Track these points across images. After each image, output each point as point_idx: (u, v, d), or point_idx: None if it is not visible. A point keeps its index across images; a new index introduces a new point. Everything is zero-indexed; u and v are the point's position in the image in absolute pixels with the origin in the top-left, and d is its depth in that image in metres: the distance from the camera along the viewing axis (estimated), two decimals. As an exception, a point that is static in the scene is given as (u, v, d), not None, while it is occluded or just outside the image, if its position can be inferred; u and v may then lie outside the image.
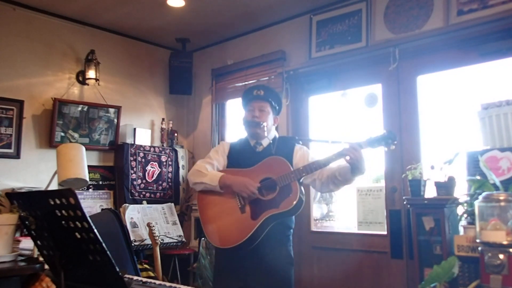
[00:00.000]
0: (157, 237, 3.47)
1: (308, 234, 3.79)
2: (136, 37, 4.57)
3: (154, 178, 4.37)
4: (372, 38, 3.44)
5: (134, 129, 4.36)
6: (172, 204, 4.24)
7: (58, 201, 1.23)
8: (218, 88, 4.56)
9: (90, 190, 4.05)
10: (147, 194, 4.29)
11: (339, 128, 3.80)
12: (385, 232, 3.32)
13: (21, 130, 3.68)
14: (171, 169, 4.51)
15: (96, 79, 4.06)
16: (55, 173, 2.68)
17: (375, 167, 3.49)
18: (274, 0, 3.73)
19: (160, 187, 4.41)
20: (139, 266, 2.53)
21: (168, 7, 3.83)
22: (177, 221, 4.12)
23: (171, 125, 4.65)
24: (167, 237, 3.89)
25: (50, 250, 1.39)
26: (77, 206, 1.19)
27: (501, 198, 2.03)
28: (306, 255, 3.74)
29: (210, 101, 4.66)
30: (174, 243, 3.94)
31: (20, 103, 3.69)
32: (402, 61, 3.31)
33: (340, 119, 3.81)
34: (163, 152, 4.48)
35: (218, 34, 4.47)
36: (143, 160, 4.29)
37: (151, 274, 3.30)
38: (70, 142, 3.88)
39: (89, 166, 2.89)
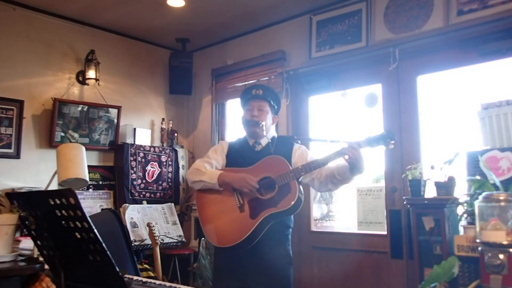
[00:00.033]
0: (157, 237, 3.47)
1: (308, 234, 3.79)
2: (136, 37, 4.57)
3: (154, 178, 4.37)
4: (372, 38, 3.44)
5: (134, 129, 4.36)
6: (172, 204, 4.24)
7: (58, 201, 1.22)
8: (218, 88, 4.56)
9: (90, 190, 4.05)
10: (147, 194, 4.29)
11: (339, 128, 3.80)
12: (385, 232, 3.32)
13: (21, 130, 3.68)
14: (171, 169, 4.51)
15: (96, 79, 4.06)
16: (55, 173, 2.68)
17: (375, 167, 3.49)
18: (274, 0, 3.73)
19: (160, 187, 4.41)
20: (139, 266, 2.53)
21: (168, 7, 3.83)
22: (177, 221, 4.12)
23: (171, 125, 4.65)
24: (167, 237, 3.89)
25: (50, 250, 1.39)
26: (77, 206, 1.19)
27: (501, 198, 2.03)
28: (306, 255, 3.74)
29: (210, 101, 4.66)
30: (174, 243, 3.94)
31: (20, 103, 3.69)
32: (402, 61, 3.31)
33: (340, 119, 3.81)
34: (163, 152, 4.48)
35: (218, 34, 4.47)
36: (143, 160, 4.29)
37: (151, 274, 3.30)
38: (70, 142, 3.88)
39: (89, 166, 2.89)
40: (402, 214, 3.22)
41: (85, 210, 1.20)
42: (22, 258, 1.70)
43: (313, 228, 3.82)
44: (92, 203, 4.04)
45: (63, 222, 1.26)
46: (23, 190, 3.38)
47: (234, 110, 4.58)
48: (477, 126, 2.72)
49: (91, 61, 4.04)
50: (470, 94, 3.08)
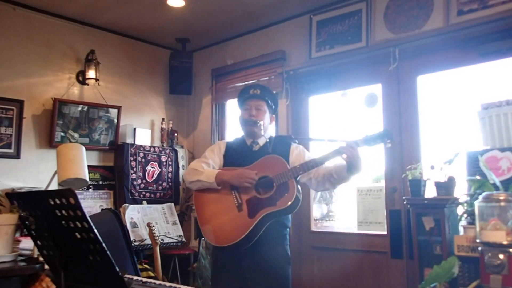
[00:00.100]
0: (157, 237, 3.47)
1: (308, 234, 3.79)
2: (136, 37, 4.57)
3: (154, 178, 4.37)
4: (372, 38, 3.44)
5: (134, 129, 4.36)
6: (172, 204, 4.24)
7: (58, 201, 1.23)
8: (218, 88, 4.56)
9: (90, 190, 4.05)
10: (147, 194, 4.29)
11: (339, 128, 3.80)
12: (385, 232, 3.32)
13: (21, 130, 3.68)
14: (171, 169, 4.51)
15: (96, 79, 4.06)
16: (55, 173, 2.68)
17: (375, 167, 3.49)
18: (274, 0, 3.73)
19: (160, 187, 4.41)
20: (139, 266, 2.53)
21: (168, 7, 3.83)
22: (177, 221, 4.12)
23: (171, 125, 4.65)
24: (167, 237, 3.89)
25: (50, 250, 1.39)
26: (77, 206, 1.19)
27: (501, 198, 2.03)
28: (306, 255, 3.74)
29: (210, 101, 4.66)
30: (174, 243, 3.94)
31: (20, 103, 3.69)
32: (402, 61, 3.31)
33: (340, 119, 3.81)
34: (163, 152, 4.48)
35: (218, 34, 4.47)
36: (143, 160, 4.29)
37: (151, 274, 3.30)
38: (70, 142, 3.88)
39: (89, 166, 2.89)
40: (402, 214, 3.22)
41: (85, 210, 1.20)
42: (22, 258, 1.71)
43: (313, 228, 3.82)
44: (92, 203, 4.04)
45: (63, 222, 1.26)
46: (23, 190, 3.38)
47: (234, 110, 4.58)
48: (477, 126, 2.72)
49: (91, 61, 4.04)
50: (470, 94, 3.08)
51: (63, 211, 1.24)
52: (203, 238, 3.79)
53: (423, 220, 2.54)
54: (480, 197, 2.10)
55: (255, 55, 4.22)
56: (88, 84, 4.11)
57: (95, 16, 4.09)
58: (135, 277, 1.65)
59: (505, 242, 1.94)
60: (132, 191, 4.17)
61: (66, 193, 1.19)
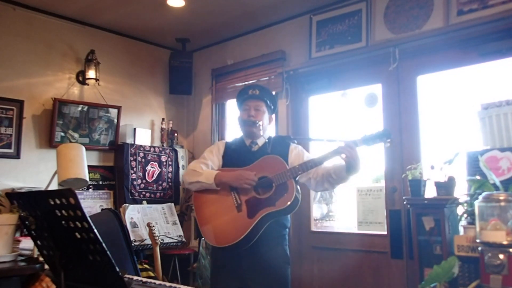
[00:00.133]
0: (157, 237, 3.47)
1: (308, 234, 3.79)
2: (136, 37, 4.57)
3: (154, 178, 4.37)
4: (372, 38, 3.44)
5: (134, 129, 4.36)
6: (172, 204, 4.24)
7: (58, 201, 1.23)
8: (218, 88, 4.56)
9: (90, 190, 4.05)
10: (147, 194, 4.29)
11: (339, 128, 3.80)
12: (385, 232, 3.32)
13: (21, 130, 3.68)
14: (171, 169, 4.51)
15: (96, 79, 4.06)
16: (55, 173, 2.68)
17: (375, 167, 3.49)
18: (274, 0, 3.73)
19: (160, 187, 4.41)
20: (139, 266, 2.53)
21: (168, 7, 3.83)
22: (177, 221, 4.12)
23: (171, 125, 4.65)
24: (167, 237, 3.89)
25: (50, 250, 1.39)
26: (77, 206, 1.19)
27: (501, 198, 2.03)
28: (306, 255, 3.74)
29: (210, 101, 4.66)
30: (174, 243, 3.94)
31: (20, 103, 3.69)
32: (402, 61, 3.31)
33: (340, 119, 3.81)
34: (163, 152, 4.48)
35: (218, 34, 4.47)
36: (143, 160, 4.29)
37: (151, 274, 3.30)
38: (70, 142, 3.88)
39: (89, 166, 2.89)
40: (402, 214, 3.22)
41: (85, 210, 1.20)
42: (22, 258, 1.71)
43: (313, 228, 3.82)
44: (92, 203, 4.04)
45: (63, 222, 1.26)
46: (23, 190, 3.38)
47: (234, 110, 4.58)
48: (477, 126, 2.72)
49: (91, 61, 4.04)
50: (470, 94, 3.08)
51: (63, 211, 1.24)
52: (203, 238, 3.79)
53: (423, 220, 2.54)
54: (480, 197, 2.10)
55: (255, 55, 4.22)
56: (88, 84, 4.11)
57: (95, 16, 4.09)
58: (135, 277, 1.65)
59: (505, 242, 1.94)
60: (132, 191, 4.17)
61: (66, 193, 1.19)
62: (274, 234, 2.28)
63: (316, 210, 3.91)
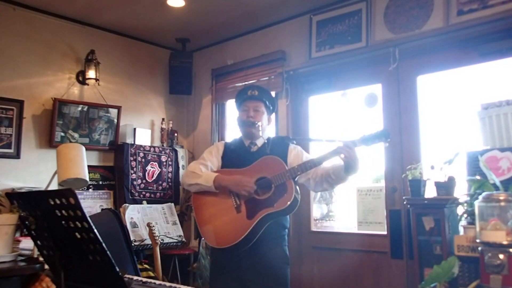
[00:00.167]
0: (157, 237, 3.47)
1: (308, 234, 3.79)
2: (136, 37, 4.57)
3: (154, 178, 4.37)
4: (372, 38, 3.44)
5: (134, 129, 4.36)
6: (172, 204, 4.24)
7: (58, 201, 1.22)
8: (218, 88, 4.56)
9: (90, 190, 4.05)
10: (147, 194, 4.29)
11: (339, 128, 3.80)
12: (385, 232, 3.32)
13: (21, 130, 3.68)
14: (171, 169, 4.51)
15: (96, 79, 4.06)
16: (55, 173, 2.68)
17: (375, 167, 3.49)
18: (274, 0, 3.73)
19: (160, 187, 4.41)
20: (139, 266, 2.53)
21: (168, 7, 3.83)
22: (177, 221, 4.12)
23: (171, 125, 4.65)
24: (167, 237, 3.89)
25: (50, 250, 1.39)
26: (77, 206, 1.19)
27: (501, 198, 2.03)
28: (306, 255, 3.74)
29: (210, 101, 4.66)
30: (174, 243, 3.94)
31: (20, 103, 3.69)
32: (402, 61, 3.31)
33: (340, 119, 3.81)
34: (163, 152, 4.48)
35: (218, 34, 4.47)
36: (143, 160, 4.29)
37: (151, 274, 3.30)
38: (70, 142, 3.88)
39: (89, 166, 2.89)
40: (402, 214, 3.22)
41: (85, 210, 1.20)
42: (22, 258, 1.70)
43: (313, 228, 3.82)
44: (92, 203, 4.04)
45: (63, 222, 1.26)
46: (23, 190, 3.38)
47: (234, 110, 4.57)
48: (477, 126, 2.72)
49: (91, 61, 4.04)
50: (470, 94, 3.08)
51: (63, 211, 1.24)
52: (203, 239, 3.79)
53: (423, 220, 2.54)
54: (480, 197, 2.10)
55: (255, 55, 4.22)
56: (88, 84, 4.11)
57: (95, 16, 4.09)
58: (135, 277, 1.65)
59: (505, 242, 1.94)
60: (132, 191, 4.17)
61: (66, 193, 1.19)
62: (274, 235, 2.28)
63: (316, 210, 3.91)
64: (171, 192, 4.50)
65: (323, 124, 3.92)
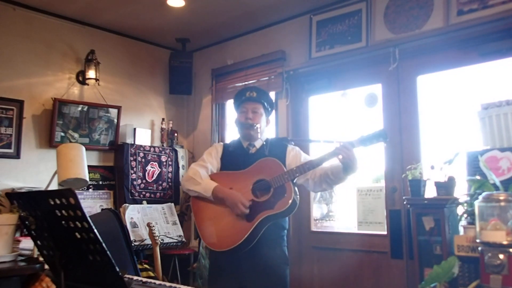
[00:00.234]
0: (157, 237, 3.47)
1: (308, 234, 3.79)
2: (136, 37, 4.57)
3: (154, 178, 4.37)
4: (372, 38, 3.44)
5: (134, 129, 4.36)
6: (172, 204, 4.24)
7: (58, 201, 1.22)
8: (218, 88, 4.56)
9: (90, 190, 4.05)
10: (147, 194, 4.29)
11: (339, 128, 3.80)
12: (385, 232, 3.32)
13: (21, 130, 3.68)
14: (171, 169, 4.51)
15: (96, 79, 4.06)
16: (55, 173, 2.68)
17: (375, 167, 3.49)
18: (274, 0, 3.73)
19: (160, 187, 4.41)
20: (139, 266, 2.53)
21: (168, 7, 3.83)
22: (177, 221, 4.11)
23: (171, 125, 4.65)
24: (167, 237, 3.89)
25: (50, 250, 1.39)
26: (77, 206, 1.19)
27: (501, 198, 2.03)
28: (306, 255, 3.74)
29: (210, 101, 4.66)
30: (174, 243, 3.94)
31: (20, 103, 3.69)
32: (402, 61, 3.31)
33: (340, 119, 3.81)
34: (163, 152, 4.48)
35: (218, 34, 4.47)
36: (143, 160, 4.29)
37: (151, 274, 3.30)
38: (70, 142, 3.88)
39: (89, 166, 2.89)
40: (402, 214, 3.22)
41: (85, 210, 1.20)
42: (22, 258, 1.70)
43: (313, 228, 3.82)
44: (92, 203, 4.04)
45: (63, 222, 1.26)
46: (23, 190, 3.38)
47: (234, 110, 4.57)
48: (477, 126, 2.72)
49: (91, 61, 4.04)
50: (470, 94, 3.08)
51: (63, 211, 1.24)
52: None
53: (423, 220, 2.54)
54: (480, 197, 2.10)
55: (255, 55, 4.22)
56: (88, 84, 4.11)
57: (95, 16, 4.09)
58: (135, 277, 1.65)
59: (505, 242, 1.94)
60: (132, 191, 4.17)
61: (66, 193, 1.19)
62: (273, 236, 2.28)
63: (316, 210, 3.91)
64: (171, 192, 4.50)
65: (323, 124, 3.92)
